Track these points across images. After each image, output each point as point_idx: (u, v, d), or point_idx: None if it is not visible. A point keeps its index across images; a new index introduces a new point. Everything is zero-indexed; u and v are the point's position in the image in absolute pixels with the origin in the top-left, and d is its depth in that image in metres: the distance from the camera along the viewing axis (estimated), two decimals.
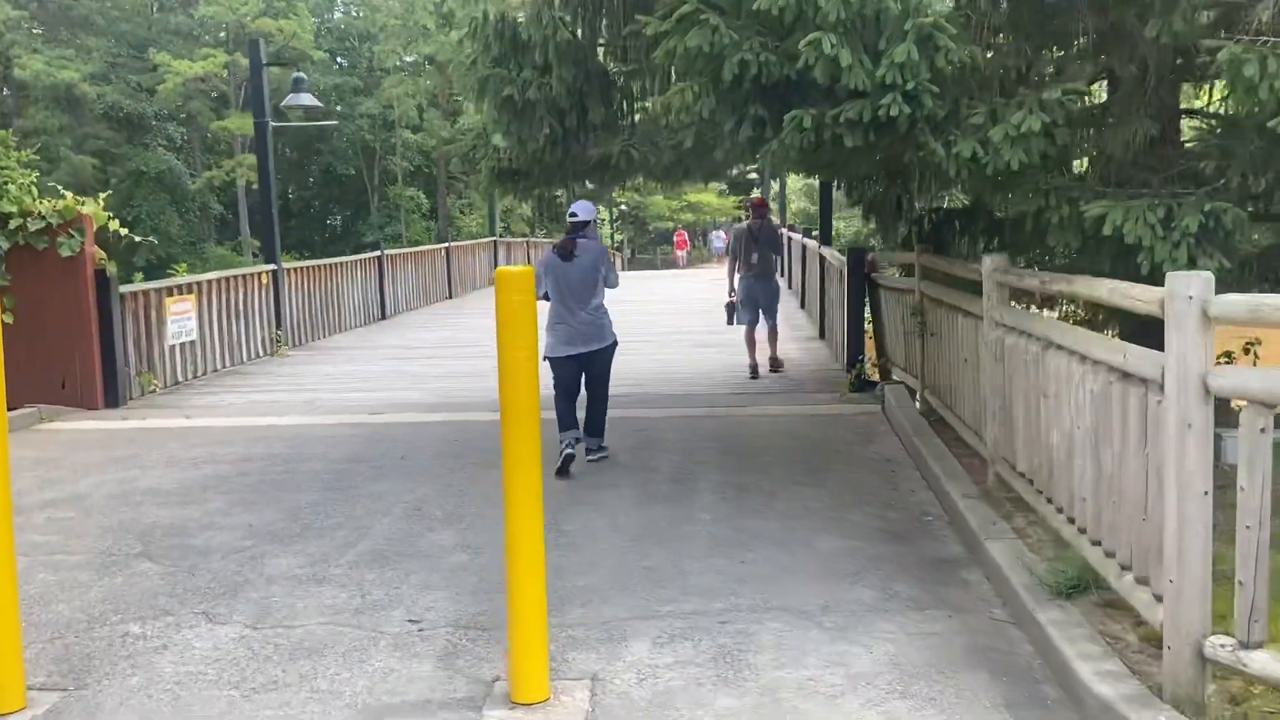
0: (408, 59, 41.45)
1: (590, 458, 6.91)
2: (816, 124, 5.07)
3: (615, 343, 6.84)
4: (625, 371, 9.95)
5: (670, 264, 47.09)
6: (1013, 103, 5.13)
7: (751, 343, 10.56)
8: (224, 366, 11.91)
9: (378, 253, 17.28)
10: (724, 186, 53.70)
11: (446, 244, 20.96)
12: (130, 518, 5.87)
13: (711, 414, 8.52)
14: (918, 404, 7.75)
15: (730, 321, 10.69)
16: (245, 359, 12.41)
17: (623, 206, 50.86)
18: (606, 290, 6.73)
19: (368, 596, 4.54)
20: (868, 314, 9.94)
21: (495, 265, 24.26)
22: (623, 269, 43.85)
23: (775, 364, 10.70)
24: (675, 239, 43.86)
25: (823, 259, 12.40)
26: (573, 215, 6.78)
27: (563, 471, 6.49)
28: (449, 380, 10.86)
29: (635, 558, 4.95)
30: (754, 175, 43.57)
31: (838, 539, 5.12)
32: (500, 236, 26.48)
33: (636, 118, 7.24)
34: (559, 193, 9.18)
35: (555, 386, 6.64)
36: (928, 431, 6.70)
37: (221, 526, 5.67)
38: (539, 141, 6.74)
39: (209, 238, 38.99)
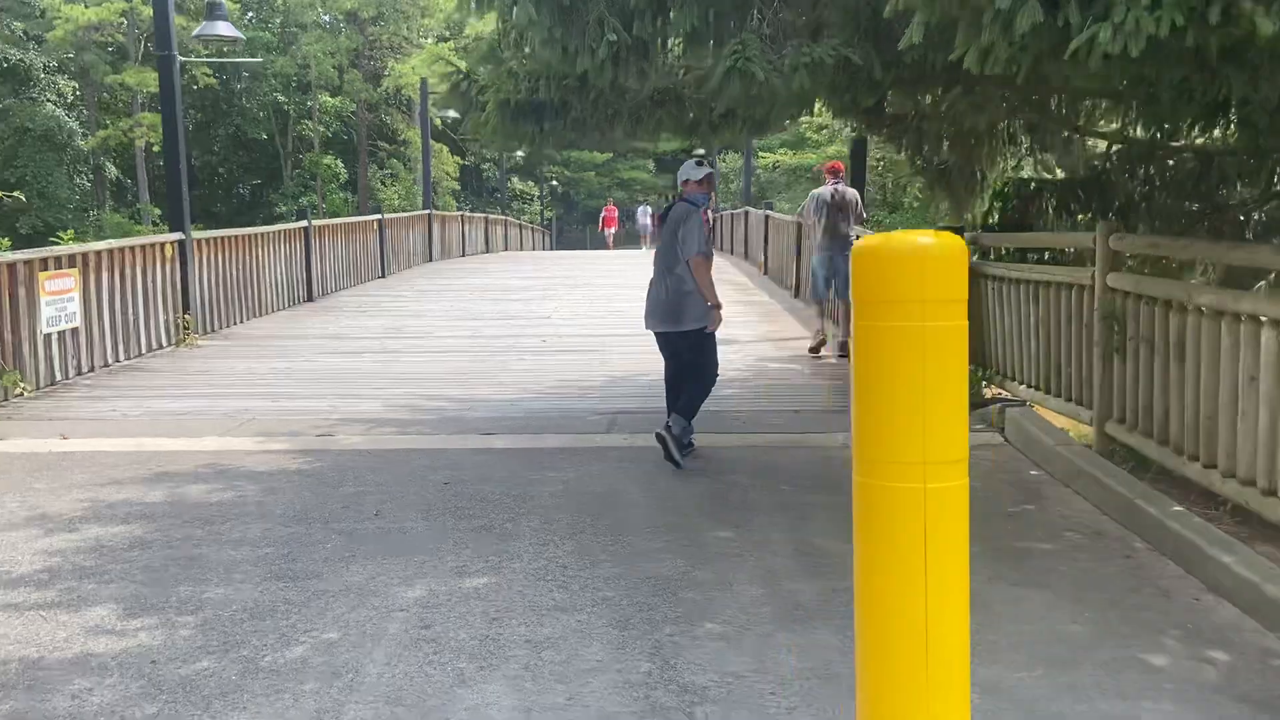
0: (324, 17, 38.37)
1: (662, 431, 5.81)
2: None
3: (699, 330, 5.84)
4: (640, 374, 7.93)
5: (601, 243, 44.28)
6: None
7: (819, 316, 10.00)
8: (117, 361, 9.42)
9: (304, 223, 14.78)
10: (653, 165, 51.69)
11: (380, 216, 18.46)
12: None
13: (778, 443, 6.45)
14: (1091, 443, 5.77)
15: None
16: (144, 350, 9.92)
17: (554, 183, 48.46)
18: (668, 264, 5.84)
19: None
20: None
21: (430, 241, 21.85)
22: (551, 248, 41.43)
23: (845, 349, 9.38)
24: (604, 214, 40.41)
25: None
26: (680, 175, 6.12)
27: (668, 457, 5.75)
28: (411, 385, 8.58)
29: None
30: (701, 151, 41.56)
31: (1172, 705, 3.09)
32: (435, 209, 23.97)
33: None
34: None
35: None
36: (1153, 495, 4.70)
37: (99, 665, 3.41)
38: (595, 57, 4.54)
39: (104, 204, 35.49)
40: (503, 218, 32.05)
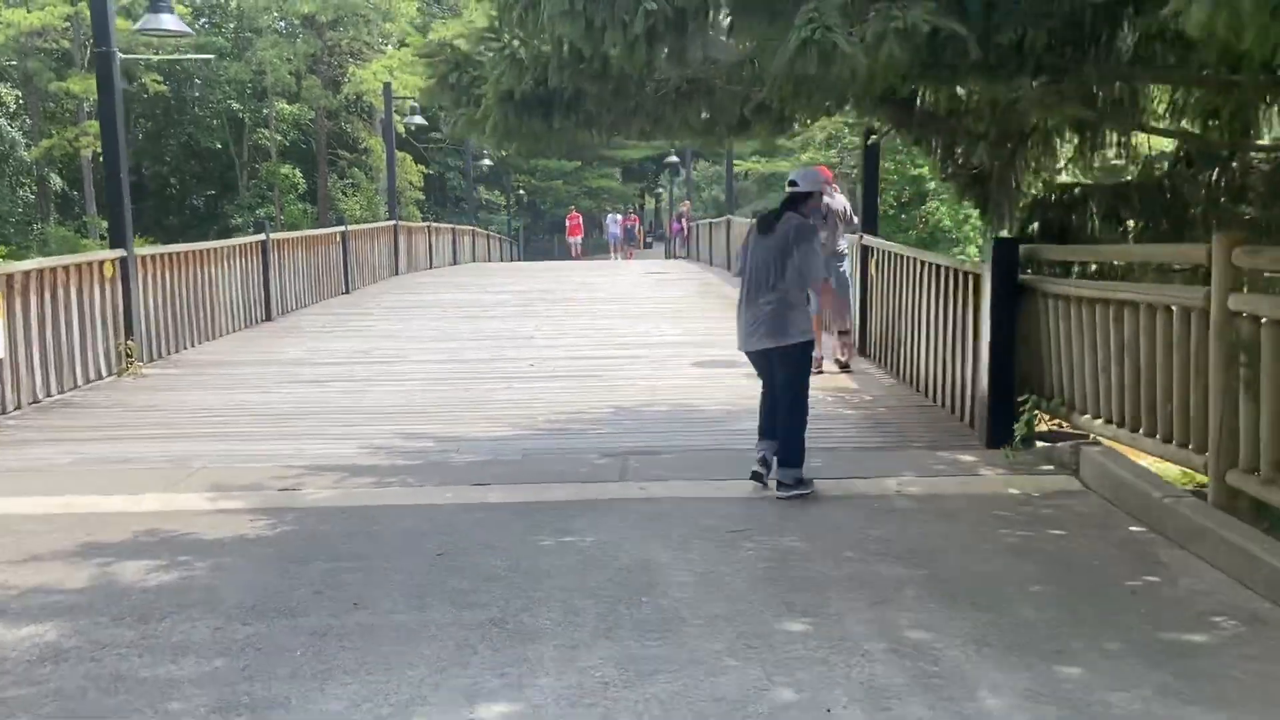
0: (280, 22, 37.12)
1: (780, 494, 5.37)
2: None
3: (805, 342, 5.49)
4: (647, 405, 7.23)
5: (568, 253, 42.85)
6: None
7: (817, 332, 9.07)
8: (49, 395, 8.33)
9: (261, 236, 13.70)
10: (619, 174, 50.85)
11: (343, 228, 17.39)
12: None
13: (824, 491, 5.52)
14: (1205, 494, 4.90)
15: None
16: (81, 382, 8.83)
17: (521, 192, 47.41)
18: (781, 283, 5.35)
19: None
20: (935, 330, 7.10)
21: (396, 253, 20.83)
22: (519, 259, 40.32)
23: (842, 363, 9.11)
24: (569, 223, 38.43)
25: (870, 252, 9.52)
26: (792, 184, 5.61)
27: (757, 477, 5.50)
28: (386, 420, 7.58)
29: None
30: (674, 158, 40.67)
31: None
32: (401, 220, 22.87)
33: None
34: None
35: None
36: None
37: None
38: (628, 32, 3.60)
39: (48, 217, 33.99)
40: (470, 228, 31.01)
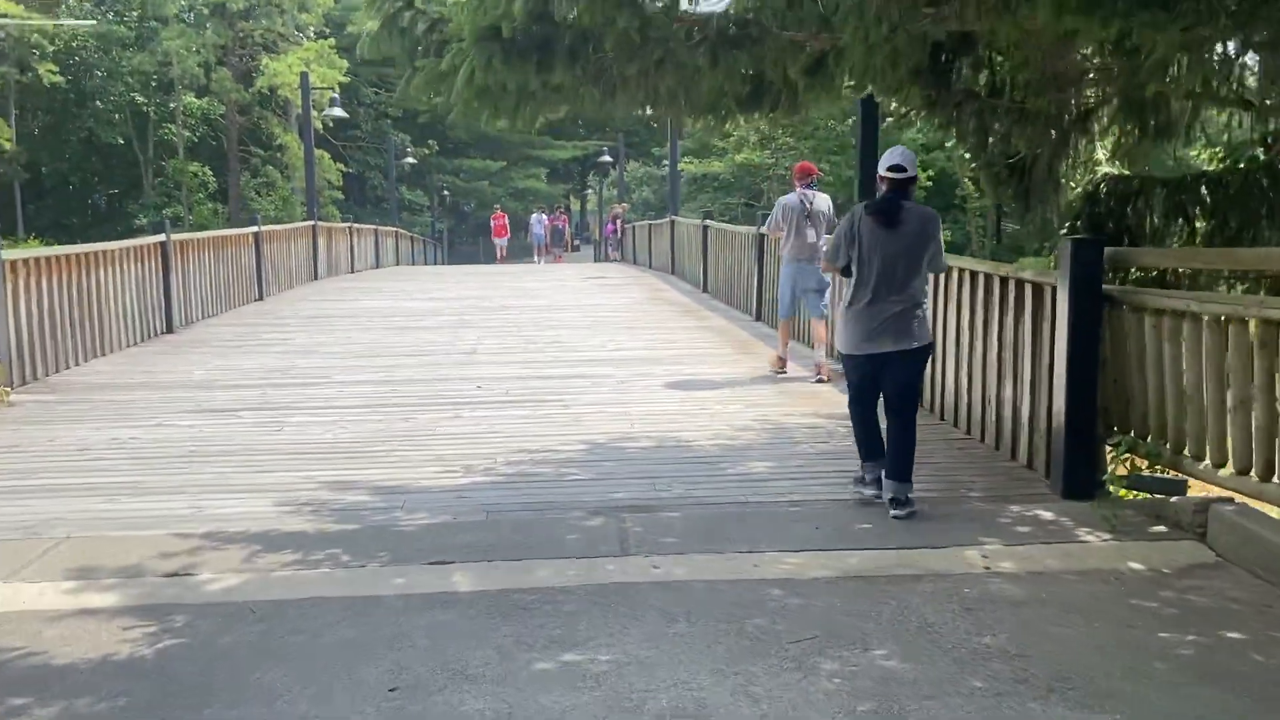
0: (189, 11, 34.96)
1: (897, 512, 4.93)
2: None
3: (930, 344, 5.19)
4: (625, 439, 5.68)
5: (494, 255, 40.63)
6: None
7: (786, 337, 9.11)
8: None
9: (161, 237, 12.03)
10: (545, 174, 49.38)
11: (256, 228, 15.69)
12: None
13: (889, 570, 4.26)
14: None
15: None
16: None
17: (445, 192, 45.63)
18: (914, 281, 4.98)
19: None
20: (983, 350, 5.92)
21: (315, 256, 19.19)
22: (444, 262, 38.56)
23: (820, 374, 8.48)
24: (494, 223, 35.91)
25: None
26: (897, 169, 5.01)
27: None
28: (310, 462, 6.14)
29: None
30: (608, 157, 39.30)
31: None
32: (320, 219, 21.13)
33: None
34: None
35: (852, 395, 5.23)
36: None
37: None
38: None
39: None
40: (393, 229, 29.28)
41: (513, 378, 8.88)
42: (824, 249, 8.55)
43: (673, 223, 20.04)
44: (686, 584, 4.10)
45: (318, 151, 33.76)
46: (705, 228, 15.98)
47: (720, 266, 14.90)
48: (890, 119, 7.29)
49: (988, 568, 4.25)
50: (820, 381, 8.36)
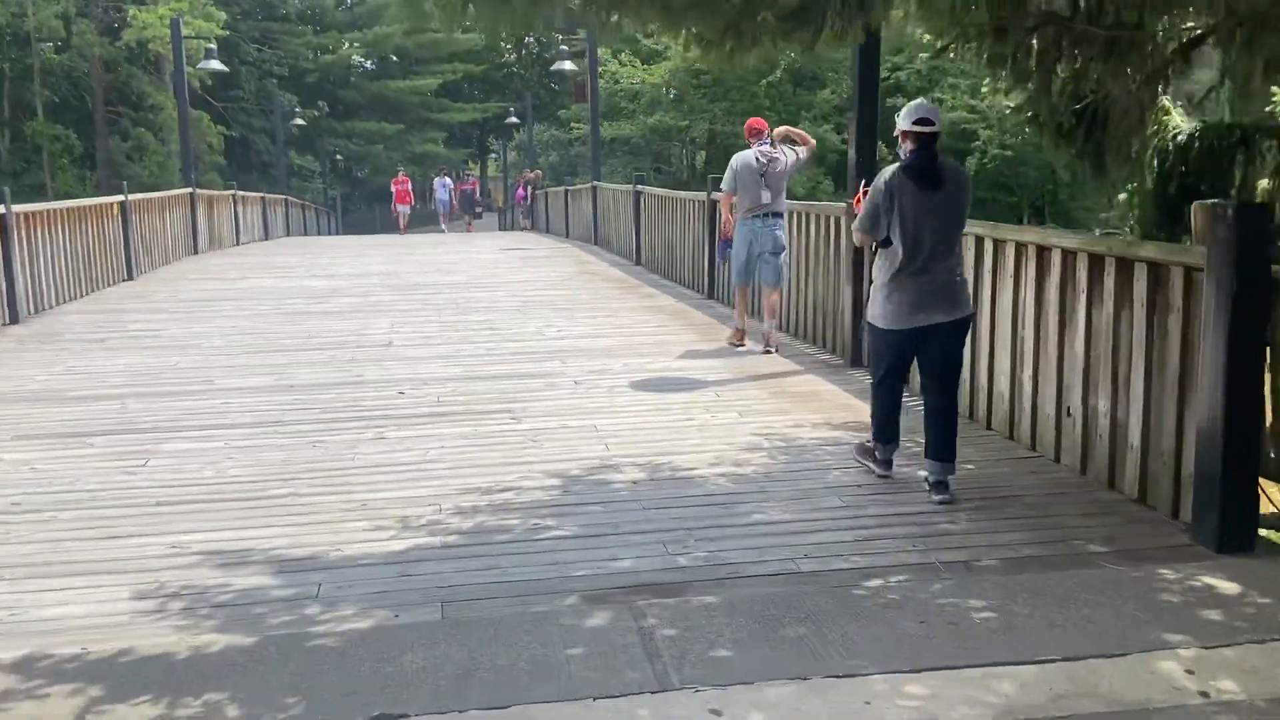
0: None
1: (944, 497, 4.52)
2: None
3: (974, 312, 4.92)
4: (605, 463, 3.94)
5: (393, 224, 37.36)
6: None
7: (744, 306, 8.32)
8: None
9: None
10: (443, 137, 47.00)
11: (123, 197, 13.59)
12: None
13: (1041, 714, 2.88)
14: None
15: (722, 260, 9.00)
16: None
17: (338, 157, 43.02)
18: None
19: None
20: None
21: (194, 228, 17.11)
22: (338, 232, 36.07)
23: (770, 351, 7.91)
24: (396, 189, 32.31)
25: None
26: (925, 123, 4.49)
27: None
28: (182, 518, 4.51)
29: None
30: (515, 119, 37.26)
31: None
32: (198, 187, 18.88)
33: None
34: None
35: (889, 373, 4.78)
36: None
37: None
38: None
39: None
40: (283, 197, 27.01)
41: (442, 378, 7.29)
42: (782, 208, 8.01)
43: (595, 188, 18.45)
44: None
45: (196, 113, 31.09)
46: (638, 194, 14.46)
47: (657, 236, 13.42)
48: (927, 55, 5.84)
49: (1205, 694, 2.90)
50: (768, 352, 7.86)
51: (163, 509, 4.65)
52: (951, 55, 5.50)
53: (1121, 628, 3.30)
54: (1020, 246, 5.32)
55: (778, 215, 7.99)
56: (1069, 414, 4.96)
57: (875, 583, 3.71)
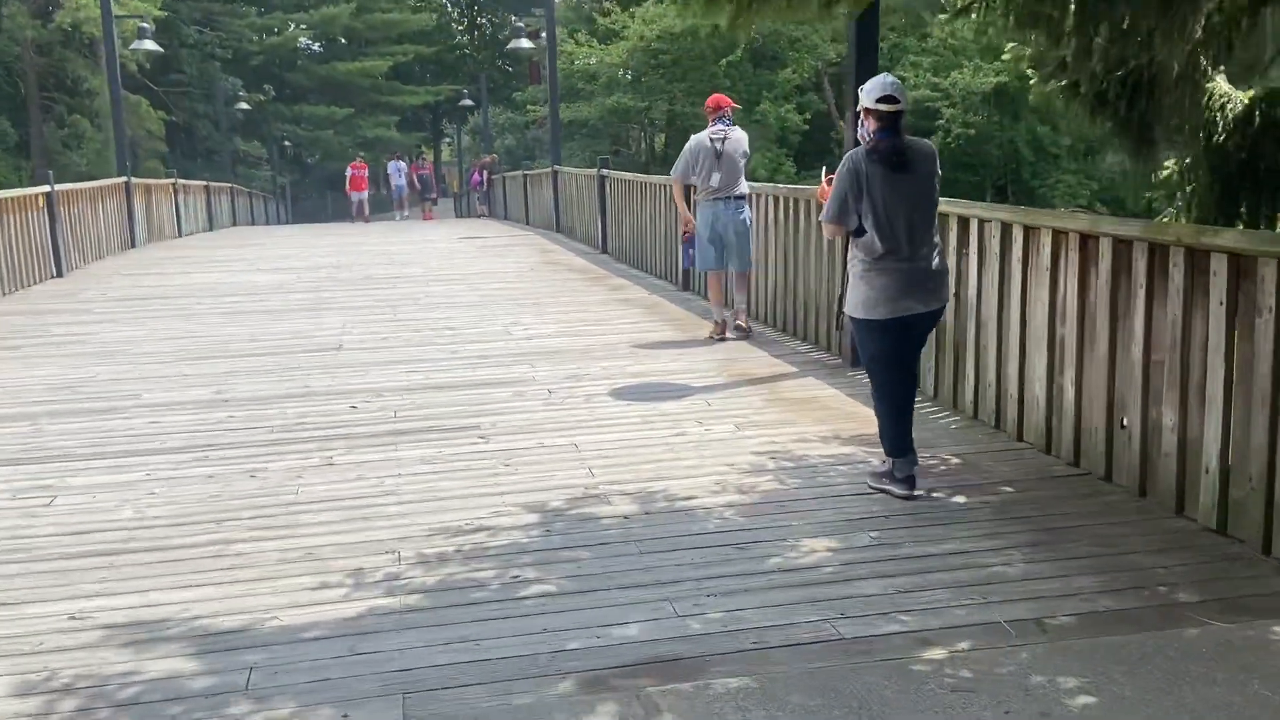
0: None
1: (917, 492, 4.36)
2: None
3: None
4: (592, 491, 3.10)
5: (346, 212, 35.66)
6: None
7: (719, 294, 7.93)
8: None
9: None
10: (395, 122, 45.70)
11: (48, 187, 12.60)
12: None
13: None
14: None
15: (688, 263, 8.42)
16: None
17: (286, 143, 41.72)
18: None
19: None
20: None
21: (131, 220, 16.12)
22: (287, 221, 34.88)
23: (742, 329, 7.80)
24: (351, 174, 30.18)
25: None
26: (889, 100, 4.25)
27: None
28: (100, 582, 3.75)
29: None
30: (469, 101, 36.19)
31: None
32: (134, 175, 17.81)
33: None
34: None
35: (886, 368, 4.42)
36: None
37: None
38: None
39: None
40: (228, 185, 25.91)
41: (398, 388, 6.53)
42: (743, 190, 7.69)
43: (555, 173, 17.66)
44: None
45: (135, 98, 29.86)
46: (603, 178, 13.71)
47: (625, 224, 12.69)
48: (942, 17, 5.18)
49: None
50: (743, 334, 7.75)
51: (65, 564, 3.88)
52: (973, 15, 4.83)
53: (1253, 715, 2.66)
54: (1059, 234, 4.66)
55: (740, 198, 7.70)
56: (1123, 426, 4.33)
57: (936, 654, 3.04)
